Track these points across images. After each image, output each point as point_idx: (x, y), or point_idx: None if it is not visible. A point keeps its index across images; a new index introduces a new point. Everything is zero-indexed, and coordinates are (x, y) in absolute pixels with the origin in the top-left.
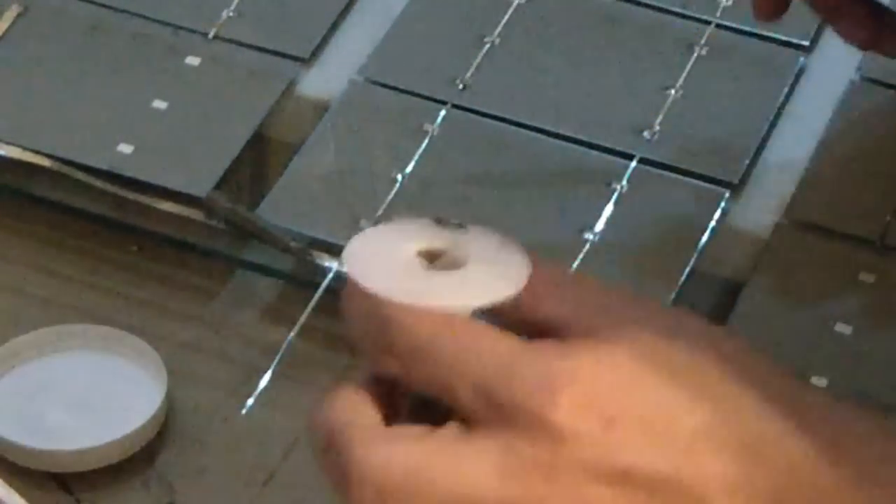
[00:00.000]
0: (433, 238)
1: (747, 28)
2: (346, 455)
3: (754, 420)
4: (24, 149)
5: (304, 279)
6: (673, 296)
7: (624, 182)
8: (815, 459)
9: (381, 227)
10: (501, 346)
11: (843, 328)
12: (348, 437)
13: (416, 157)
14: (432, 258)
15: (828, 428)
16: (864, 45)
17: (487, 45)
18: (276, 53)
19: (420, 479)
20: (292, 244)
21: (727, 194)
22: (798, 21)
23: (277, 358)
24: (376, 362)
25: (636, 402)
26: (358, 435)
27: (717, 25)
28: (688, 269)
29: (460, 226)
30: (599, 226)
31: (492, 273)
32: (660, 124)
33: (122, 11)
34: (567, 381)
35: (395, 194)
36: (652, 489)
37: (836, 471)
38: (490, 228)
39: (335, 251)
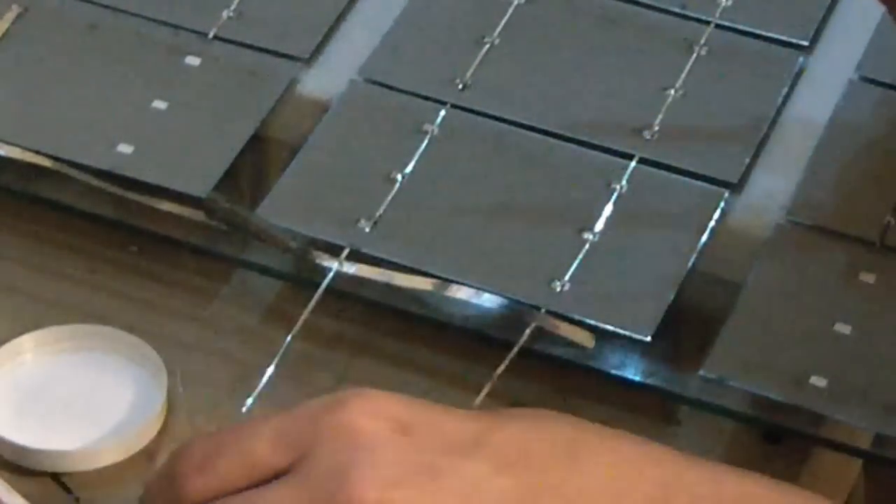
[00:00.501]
0: None
1: (747, 28)
2: None
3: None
4: (24, 149)
5: (304, 279)
6: (673, 296)
7: (624, 182)
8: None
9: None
10: (275, 415)
11: (843, 328)
12: None
13: (416, 157)
14: None
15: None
16: None
17: (487, 45)
18: (276, 53)
19: None
20: (292, 244)
21: (727, 194)
22: (798, 21)
23: (277, 358)
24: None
25: (421, 414)
26: None
27: (717, 25)
28: (688, 269)
29: None
30: (599, 226)
31: None
32: (660, 124)
33: (122, 11)
34: (353, 395)
35: (395, 194)
36: (465, 484)
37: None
38: None
39: (335, 251)
